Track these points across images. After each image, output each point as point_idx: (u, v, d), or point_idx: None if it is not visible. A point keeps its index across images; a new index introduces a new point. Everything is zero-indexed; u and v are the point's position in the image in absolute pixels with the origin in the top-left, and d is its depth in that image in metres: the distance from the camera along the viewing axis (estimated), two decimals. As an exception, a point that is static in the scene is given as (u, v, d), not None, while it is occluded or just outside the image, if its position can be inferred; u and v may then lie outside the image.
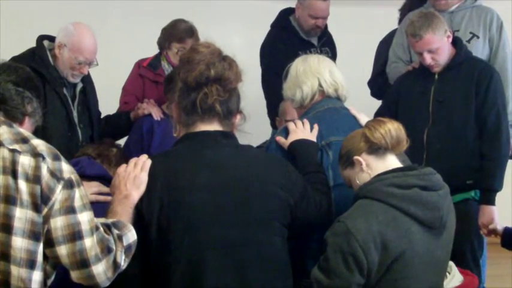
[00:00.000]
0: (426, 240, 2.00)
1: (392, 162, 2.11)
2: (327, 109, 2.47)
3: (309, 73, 2.50)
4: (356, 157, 2.10)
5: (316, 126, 2.39)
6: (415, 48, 3.27)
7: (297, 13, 4.11)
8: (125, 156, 2.49)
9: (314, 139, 2.35)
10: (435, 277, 2.10)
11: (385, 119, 2.14)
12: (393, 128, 2.09)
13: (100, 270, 1.69)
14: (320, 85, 2.49)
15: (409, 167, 2.13)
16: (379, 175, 2.06)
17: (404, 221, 1.98)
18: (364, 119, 2.42)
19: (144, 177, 1.93)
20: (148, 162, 1.98)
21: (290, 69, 2.57)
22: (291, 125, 2.39)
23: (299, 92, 2.51)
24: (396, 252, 1.94)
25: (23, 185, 1.60)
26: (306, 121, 2.40)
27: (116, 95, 3.86)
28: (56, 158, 1.67)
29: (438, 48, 3.21)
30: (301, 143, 2.31)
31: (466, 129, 3.23)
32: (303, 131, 2.36)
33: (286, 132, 2.39)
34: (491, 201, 3.20)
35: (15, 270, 1.60)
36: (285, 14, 4.21)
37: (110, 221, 1.80)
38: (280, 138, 2.39)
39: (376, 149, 2.09)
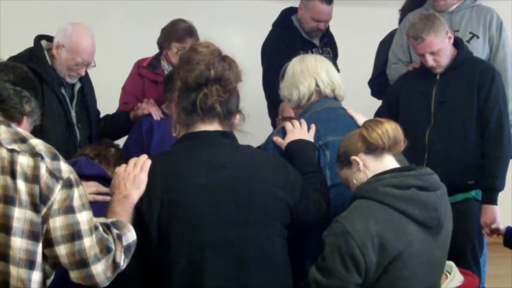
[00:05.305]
0: (424, 240, 2.00)
1: (389, 162, 2.11)
2: (324, 109, 2.47)
3: (306, 73, 2.50)
4: (353, 157, 2.10)
5: (313, 126, 2.39)
6: (417, 50, 3.27)
7: (300, 13, 4.09)
8: (124, 156, 2.49)
9: (311, 139, 2.35)
10: (432, 277, 2.09)
11: (382, 119, 2.14)
12: (390, 128, 2.09)
13: (99, 270, 1.69)
14: (317, 85, 2.49)
15: (407, 167, 2.13)
16: (376, 175, 2.06)
17: (402, 221, 1.98)
18: (361, 119, 2.42)
19: (143, 177, 1.93)
20: (148, 162, 1.97)
21: (287, 69, 2.57)
22: (288, 125, 2.39)
23: (296, 92, 2.50)
24: (394, 253, 1.94)
25: (21, 185, 1.60)
26: (303, 121, 2.40)
27: (115, 95, 3.86)
28: (54, 158, 1.66)
29: (440, 50, 3.22)
30: (299, 143, 2.31)
31: (468, 130, 3.23)
32: (300, 131, 2.36)
33: (283, 133, 2.39)
34: (493, 201, 3.20)
35: (14, 270, 1.59)
36: (287, 14, 4.19)
37: (109, 220, 1.80)
38: (277, 139, 2.38)
39: (374, 149, 2.09)
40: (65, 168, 1.67)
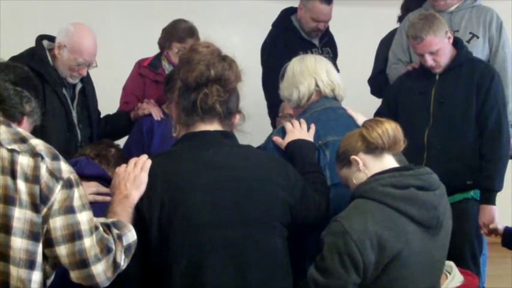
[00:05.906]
0: (423, 240, 2.00)
1: (389, 162, 2.11)
2: (324, 109, 2.47)
3: (305, 73, 2.51)
4: (353, 156, 2.10)
5: (313, 126, 2.39)
6: (416, 50, 3.28)
7: (299, 13, 4.09)
8: (124, 156, 2.49)
9: (311, 139, 2.35)
10: (432, 277, 2.10)
11: (382, 119, 2.15)
12: (390, 128, 2.09)
13: (99, 270, 1.69)
14: (317, 85, 2.50)
15: (406, 167, 2.13)
16: (375, 175, 2.06)
17: (401, 221, 1.98)
18: (361, 118, 2.42)
19: (144, 178, 1.93)
20: (149, 162, 1.97)
21: (287, 69, 2.57)
22: (288, 125, 2.39)
23: (296, 92, 2.51)
24: (393, 252, 1.95)
25: (21, 185, 1.60)
26: (303, 121, 2.40)
27: (116, 95, 3.86)
28: (55, 158, 1.66)
29: (439, 50, 3.22)
30: (299, 143, 2.31)
31: (467, 130, 3.23)
32: (300, 131, 2.36)
33: (283, 132, 2.39)
34: (491, 201, 3.20)
35: (14, 270, 1.59)
36: (287, 14, 4.19)
37: (109, 220, 1.79)
38: (277, 139, 2.39)
39: (373, 149, 2.10)
40: (65, 169, 1.67)
